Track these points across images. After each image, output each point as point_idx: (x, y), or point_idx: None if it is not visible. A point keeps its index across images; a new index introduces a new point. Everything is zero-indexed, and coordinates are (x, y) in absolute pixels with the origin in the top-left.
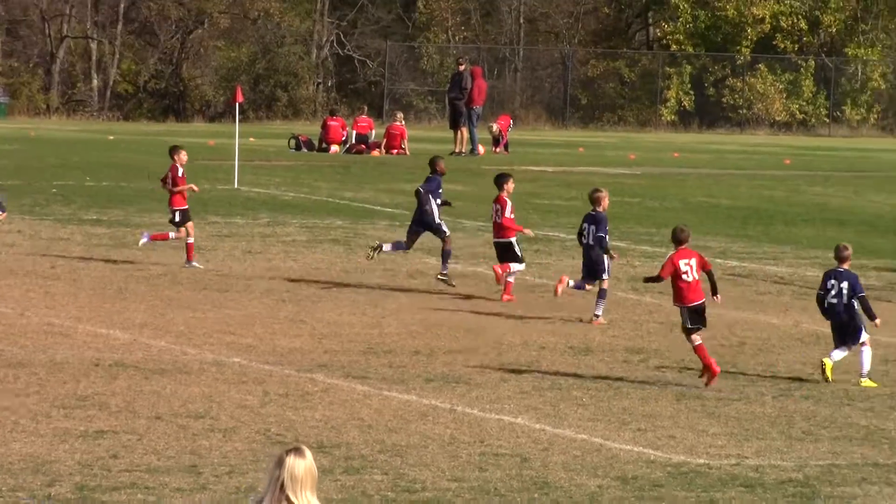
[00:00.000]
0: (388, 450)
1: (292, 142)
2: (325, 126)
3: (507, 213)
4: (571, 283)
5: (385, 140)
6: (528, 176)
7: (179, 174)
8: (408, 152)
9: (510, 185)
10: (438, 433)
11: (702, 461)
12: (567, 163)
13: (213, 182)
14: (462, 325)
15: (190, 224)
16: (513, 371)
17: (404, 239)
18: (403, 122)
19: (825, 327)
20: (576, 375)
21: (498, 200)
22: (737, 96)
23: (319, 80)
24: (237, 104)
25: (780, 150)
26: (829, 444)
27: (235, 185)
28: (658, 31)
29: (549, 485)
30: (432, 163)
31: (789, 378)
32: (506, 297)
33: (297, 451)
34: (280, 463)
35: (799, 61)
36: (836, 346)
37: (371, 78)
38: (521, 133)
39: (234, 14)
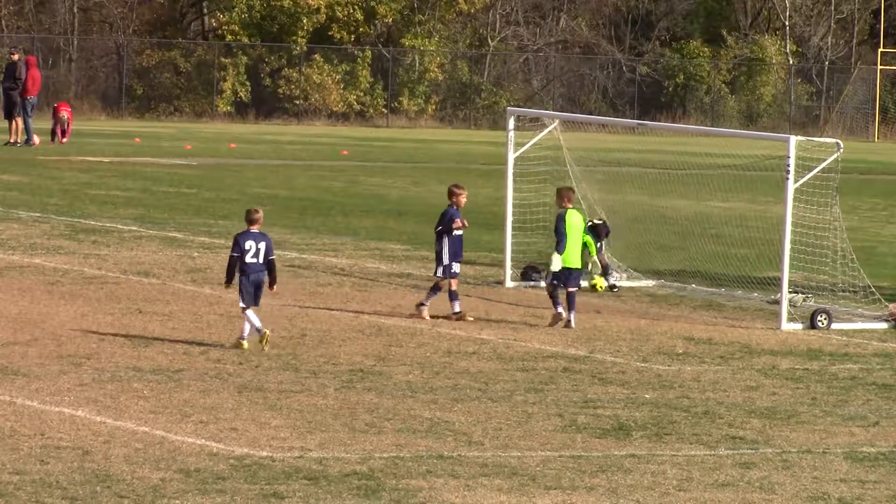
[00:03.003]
0: None
1: None
2: None
3: None
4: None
5: None
6: (84, 166)
7: None
8: None
9: None
10: None
11: (265, 454)
12: (124, 153)
13: None
14: (20, 317)
15: None
16: (72, 363)
17: None
18: None
19: (385, 319)
20: (136, 368)
21: None
22: (293, 87)
23: None
24: None
25: (338, 141)
26: (393, 436)
27: None
28: (213, 21)
29: (111, 477)
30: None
31: (351, 370)
32: None
33: None
34: None
35: (356, 52)
36: (249, 305)
37: None
38: (77, 123)
39: None
